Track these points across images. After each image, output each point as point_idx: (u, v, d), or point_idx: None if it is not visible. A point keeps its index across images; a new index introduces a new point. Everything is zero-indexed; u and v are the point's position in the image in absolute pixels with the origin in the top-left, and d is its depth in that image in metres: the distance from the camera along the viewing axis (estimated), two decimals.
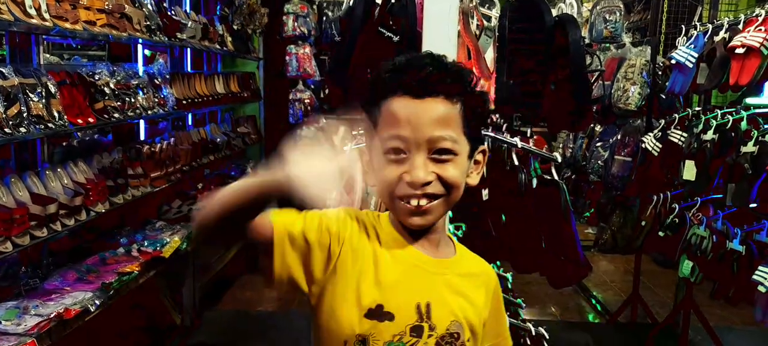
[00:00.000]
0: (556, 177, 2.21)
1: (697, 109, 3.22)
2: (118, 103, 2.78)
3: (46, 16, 2.22)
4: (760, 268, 2.38)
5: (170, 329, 3.38)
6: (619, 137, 3.58)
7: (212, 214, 0.86)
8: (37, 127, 2.19)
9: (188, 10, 3.96)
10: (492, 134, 2.20)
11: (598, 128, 3.85)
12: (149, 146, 3.23)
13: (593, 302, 4.28)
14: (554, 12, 2.55)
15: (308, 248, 0.94)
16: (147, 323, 3.24)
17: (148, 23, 3.03)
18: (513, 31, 2.37)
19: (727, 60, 2.65)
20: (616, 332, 3.83)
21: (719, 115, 2.89)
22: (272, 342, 3.50)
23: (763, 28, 2.51)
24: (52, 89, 2.33)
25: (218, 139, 4.30)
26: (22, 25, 2.11)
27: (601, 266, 4.95)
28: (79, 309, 2.20)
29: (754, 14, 2.61)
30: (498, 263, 2.73)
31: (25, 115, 2.13)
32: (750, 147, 2.55)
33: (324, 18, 3.72)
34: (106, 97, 2.69)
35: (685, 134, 3.04)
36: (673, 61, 3.03)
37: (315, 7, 3.78)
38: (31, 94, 2.20)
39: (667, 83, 3.17)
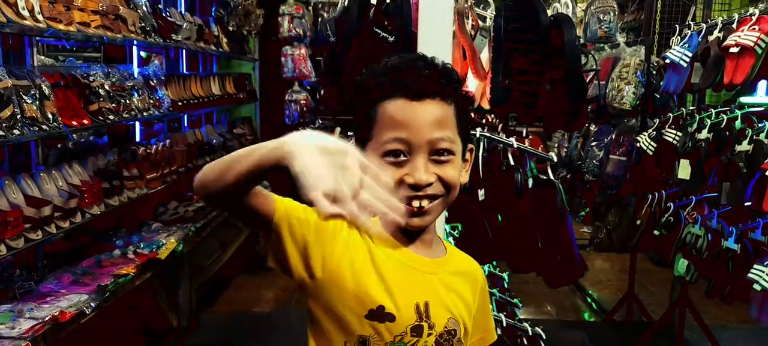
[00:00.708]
0: (552, 177, 2.21)
1: (692, 108, 3.24)
2: (113, 104, 2.77)
3: (40, 17, 2.21)
4: (755, 266, 2.39)
5: (166, 332, 3.37)
6: (614, 137, 3.59)
7: (211, 175, 0.87)
8: (32, 129, 2.18)
9: (183, 12, 3.95)
10: (488, 134, 2.20)
11: (593, 128, 3.85)
12: (145, 148, 3.23)
13: (589, 300, 4.29)
14: (549, 11, 2.55)
15: (305, 241, 0.92)
16: (143, 325, 3.23)
17: (142, 25, 3.02)
18: (508, 30, 2.37)
19: (722, 59, 2.66)
20: (611, 330, 3.84)
21: (713, 114, 2.90)
22: (269, 343, 3.50)
23: (756, 27, 2.52)
24: (46, 91, 2.32)
25: (214, 141, 4.30)
26: (14, 27, 2.10)
27: (597, 265, 4.96)
28: (74, 312, 2.19)
29: (748, 13, 2.62)
30: (495, 262, 2.74)
31: (18, 117, 2.12)
32: (745, 146, 2.57)
33: (319, 19, 3.72)
34: (101, 99, 2.68)
35: (679, 133, 3.05)
36: (667, 61, 3.05)
37: (310, 8, 3.78)
38: (24, 96, 2.19)
39: (661, 83, 3.19)
